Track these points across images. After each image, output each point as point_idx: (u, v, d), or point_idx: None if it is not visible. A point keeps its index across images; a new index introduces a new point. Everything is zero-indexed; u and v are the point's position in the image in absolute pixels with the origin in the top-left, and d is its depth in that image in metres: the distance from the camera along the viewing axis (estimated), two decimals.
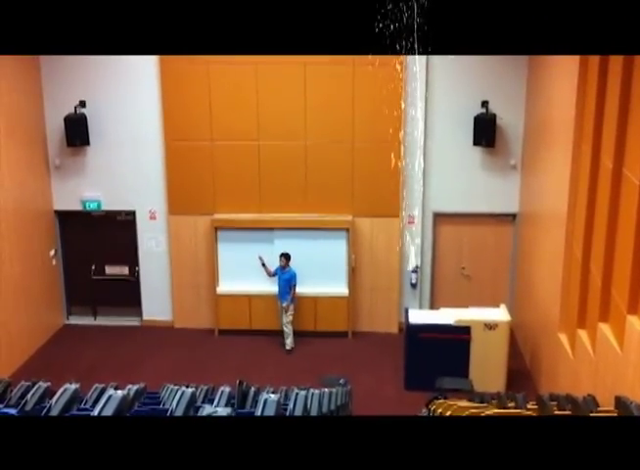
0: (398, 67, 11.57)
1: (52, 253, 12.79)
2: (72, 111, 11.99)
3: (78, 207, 12.68)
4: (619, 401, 4.20)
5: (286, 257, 12.04)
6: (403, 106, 11.84)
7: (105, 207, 12.69)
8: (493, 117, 11.71)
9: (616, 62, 7.24)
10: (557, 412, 5.21)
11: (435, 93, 11.92)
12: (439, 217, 12.61)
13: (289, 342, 12.15)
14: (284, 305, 12.13)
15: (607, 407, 5.69)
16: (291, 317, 12.15)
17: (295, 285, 12.08)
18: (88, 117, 12.04)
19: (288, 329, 12.17)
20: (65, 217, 12.95)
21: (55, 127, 12.24)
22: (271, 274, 12.22)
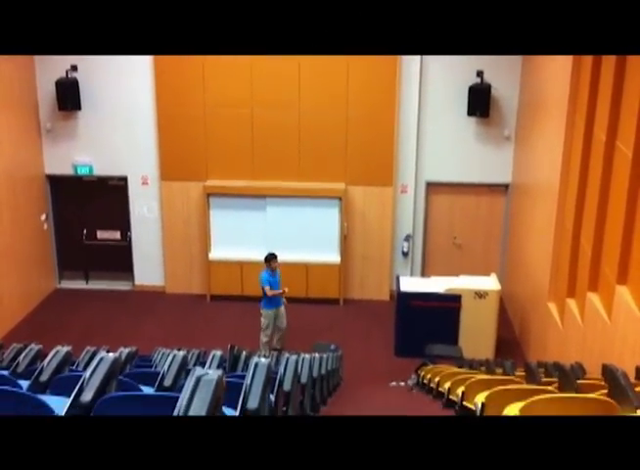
0: None
1: (43, 217, 12.75)
2: (64, 75, 11.86)
3: (70, 171, 12.61)
4: (606, 369, 4.26)
5: (276, 256, 10.60)
6: (398, 74, 11.78)
7: (97, 172, 12.62)
8: (488, 88, 11.66)
9: None
10: (544, 379, 5.30)
11: (431, 62, 11.83)
12: (432, 187, 12.61)
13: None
14: (282, 307, 10.76)
15: (594, 375, 5.78)
16: None
17: None
18: (80, 82, 11.91)
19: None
20: (56, 182, 12.87)
21: (46, 91, 12.11)
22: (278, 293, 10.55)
